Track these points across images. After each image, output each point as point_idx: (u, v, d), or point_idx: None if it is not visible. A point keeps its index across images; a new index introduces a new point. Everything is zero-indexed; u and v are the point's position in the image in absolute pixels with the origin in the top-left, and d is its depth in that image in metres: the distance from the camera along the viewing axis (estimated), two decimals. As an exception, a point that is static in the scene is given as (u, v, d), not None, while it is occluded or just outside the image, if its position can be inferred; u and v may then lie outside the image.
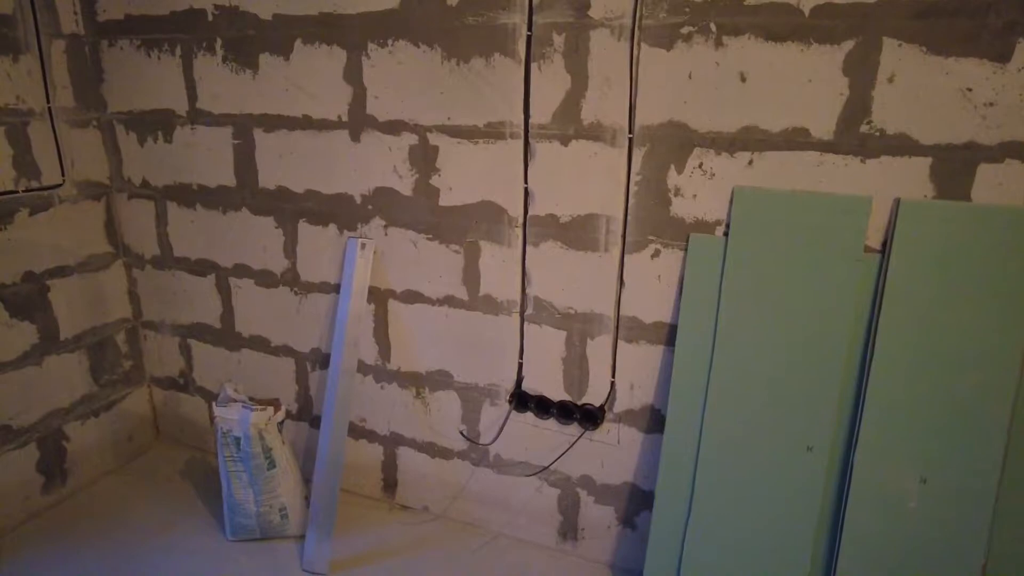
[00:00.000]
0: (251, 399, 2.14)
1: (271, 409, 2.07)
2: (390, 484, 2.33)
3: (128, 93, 2.28)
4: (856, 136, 1.51)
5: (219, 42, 2.07)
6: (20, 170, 2.10)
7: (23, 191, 2.12)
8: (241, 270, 2.31)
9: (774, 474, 1.67)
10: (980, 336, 1.48)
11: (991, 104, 1.40)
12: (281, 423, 2.11)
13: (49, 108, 2.16)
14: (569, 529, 2.10)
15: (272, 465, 2.08)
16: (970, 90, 1.41)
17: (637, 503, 1.98)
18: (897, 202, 1.51)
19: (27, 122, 2.11)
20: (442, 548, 2.15)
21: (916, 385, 1.54)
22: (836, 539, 1.63)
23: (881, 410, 1.57)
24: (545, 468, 2.05)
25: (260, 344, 2.38)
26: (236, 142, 2.17)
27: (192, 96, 2.18)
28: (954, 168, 1.46)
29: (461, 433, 2.13)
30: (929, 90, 1.43)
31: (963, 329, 1.49)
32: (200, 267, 2.39)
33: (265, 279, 2.28)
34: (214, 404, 2.07)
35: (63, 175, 2.23)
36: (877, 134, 1.50)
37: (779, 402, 1.65)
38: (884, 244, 1.55)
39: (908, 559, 1.57)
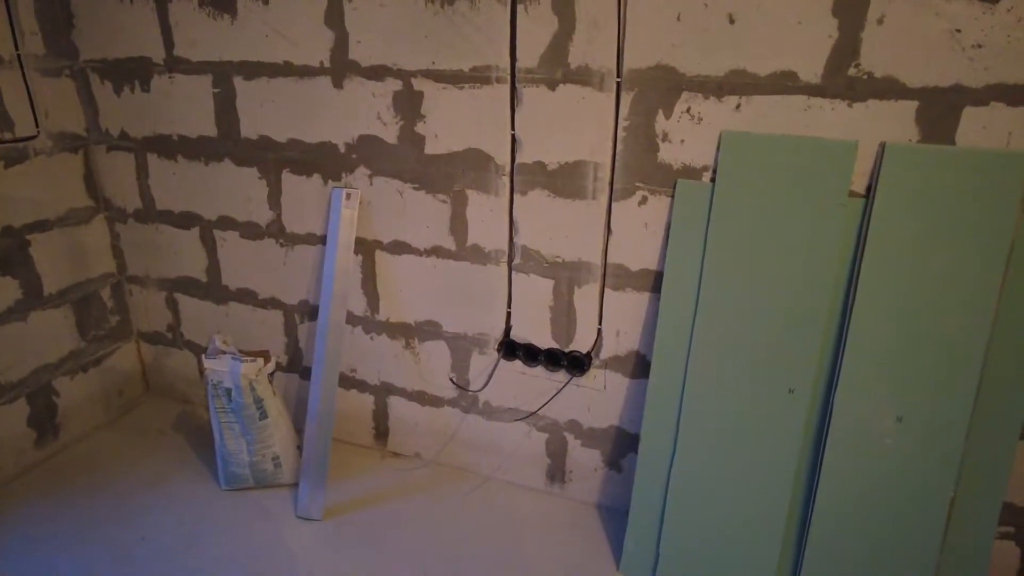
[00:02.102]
0: (240, 351, 2.15)
1: (261, 360, 2.08)
2: (381, 432, 2.37)
3: (101, 40, 2.20)
4: (844, 79, 1.50)
5: (194, -15, 2.00)
6: (-7, 121, 2.05)
7: (-3, 143, 2.07)
8: (225, 222, 2.29)
9: (757, 416, 1.71)
10: (958, 279, 1.51)
11: (979, 46, 1.39)
12: (272, 374, 2.13)
13: (18, 55, 2.09)
14: (557, 472, 2.16)
15: (264, 415, 2.10)
16: (959, 31, 1.40)
17: (623, 446, 2.03)
18: (882, 146, 1.52)
19: (-3, 70, 2.04)
20: (433, 492, 2.20)
21: (896, 327, 1.57)
22: (815, 477, 1.69)
23: (861, 352, 1.60)
24: (533, 413, 2.09)
25: (247, 297, 2.37)
26: (216, 90, 2.11)
27: (168, 43, 2.11)
28: (940, 111, 1.46)
29: (451, 380, 2.16)
30: (918, 32, 1.42)
31: (942, 273, 1.52)
32: (184, 220, 2.36)
33: (250, 231, 2.26)
34: (203, 356, 2.07)
35: (37, 126, 2.17)
36: (865, 77, 1.49)
37: (762, 346, 1.68)
38: (869, 188, 1.56)
39: (883, 494, 1.63)
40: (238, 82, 2.07)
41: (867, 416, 1.62)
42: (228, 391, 2.07)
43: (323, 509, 2.09)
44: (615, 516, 2.08)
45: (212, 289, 2.42)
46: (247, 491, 2.20)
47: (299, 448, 2.22)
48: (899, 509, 1.63)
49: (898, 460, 1.61)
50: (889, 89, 1.48)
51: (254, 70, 2.03)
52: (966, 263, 1.50)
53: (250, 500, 2.17)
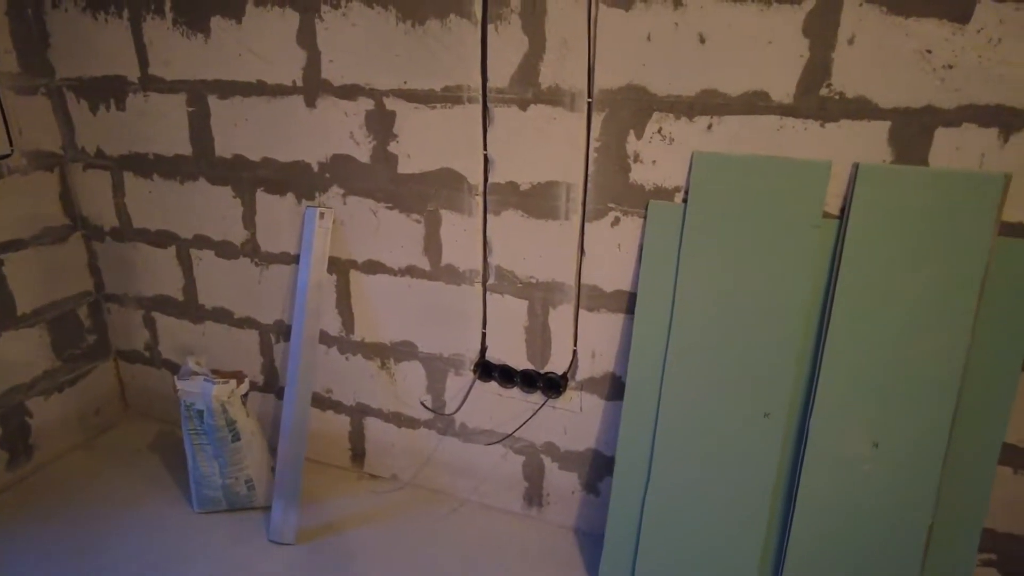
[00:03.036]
0: (215, 372, 2.12)
1: (234, 382, 2.05)
2: (358, 454, 2.34)
3: (77, 58, 2.19)
4: (816, 99, 1.48)
5: (168, 4, 1.99)
6: (-36, 139, 2.03)
7: (-31, 161, 2.05)
8: (201, 241, 2.27)
9: (732, 439, 1.68)
10: (933, 302, 1.48)
11: (950, 66, 1.37)
12: (245, 395, 2.10)
13: (-8, 74, 2.08)
14: (534, 495, 2.12)
15: (236, 438, 2.07)
16: (930, 52, 1.38)
17: (600, 469, 1.99)
18: (856, 167, 1.50)
19: (-31, 89, 2.03)
20: (410, 515, 2.16)
21: (871, 351, 1.54)
22: (791, 504, 1.65)
23: (837, 375, 1.57)
24: (509, 435, 2.06)
25: (223, 316, 2.35)
26: (190, 109, 2.10)
27: (143, 62, 2.10)
28: (912, 132, 1.44)
29: (423, 404, 2.12)
30: (889, 52, 1.40)
31: (917, 295, 1.49)
32: (160, 238, 2.34)
33: (225, 250, 2.24)
34: (176, 378, 2.05)
35: (11, 144, 2.15)
36: (837, 97, 1.47)
37: (737, 368, 1.65)
38: (843, 210, 1.54)
39: (860, 520, 1.60)
40: (212, 101, 2.05)
41: (843, 441, 1.59)
42: (200, 413, 2.04)
43: (296, 532, 2.05)
44: (592, 541, 2.04)
45: (189, 308, 2.40)
46: (220, 514, 2.17)
47: (274, 470, 2.18)
48: (877, 536, 1.60)
49: (875, 486, 1.58)
50: (861, 109, 1.46)
51: (228, 89, 2.02)
52: (941, 285, 1.47)
53: (223, 523, 2.13)
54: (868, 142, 1.48)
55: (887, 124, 1.45)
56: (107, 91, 2.19)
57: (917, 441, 1.54)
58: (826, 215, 1.55)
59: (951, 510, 1.57)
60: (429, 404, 2.13)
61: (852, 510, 1.60)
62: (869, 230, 1.50)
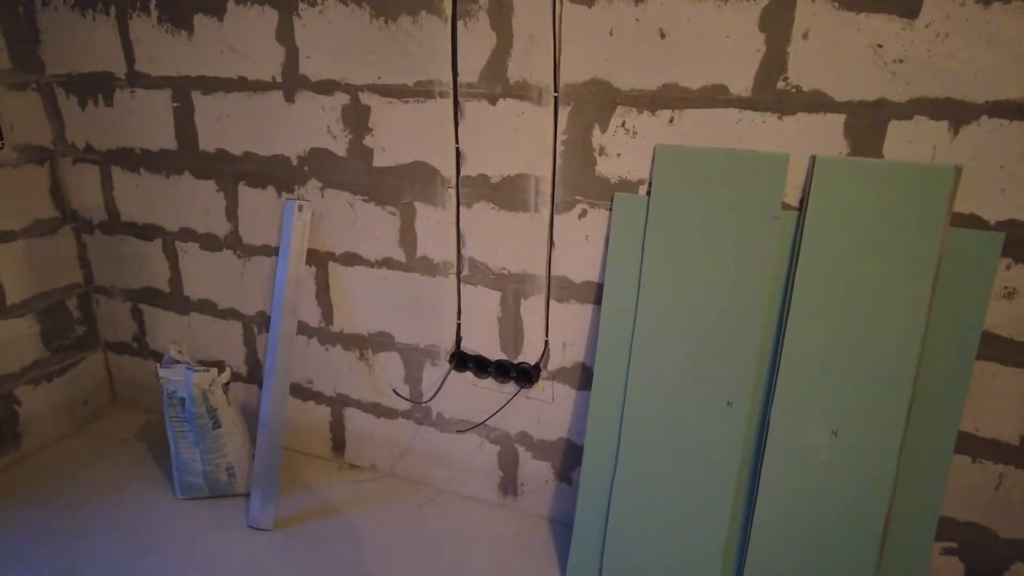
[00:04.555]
0: (199, 362, 2.16)
1: (215, 370, 2.09)
2: (339, 444, 2.38)
3: (66, 55, 2.25)
4: (773, 93, 1.52)
5: (152, 2, 2.04)
6: (-45, 133, 2.09)
7: (-40, 155, 2.11)
8: (186, 234, 2.32)
9: (696, 428, 1.71)
10: (889, 292, 1.51)
11: (901, 60, 1.41)
12: (226, 384, 2.14)
13: (-17, 70, 2.14)
14: (509, 484, 2.15)
15: (217, 425, 2.12)
16: (880, 46, 1.41)
17: (572, 458, 2.03)
18: (813, 159, 1.53)
19: (-40, 84, 2.09)
20: (387, 504, 2.20)
21: (829, 340, 1.57)
22: (754, 492, 1.68)
23: (796, 365, 1.60)
24: (482, 424, 2.09)
25: (208, 307, 2.39)
26: (175, 105, 2.15)
27: (130, 58, 2.16)
28: (867, 125, 1.47)
29: (395, 391, 2.16)
30: (842, 46, 1.44)
31: (873, 285, 1.52)
32: (147, 231, 2.39)
33: (209, 243, 2.29)
34: (159, 366, 2.09)
35: (2, 139, 2.21)
36: (793, 91, 1.50)
37: (701, 358, 1.68)
38: (801, 201, 1.57)
39: (819, 508, 1.62)
40: (196, 97, 2.10)
41: (802, 430, 1.62)
42: (182, 400, 2.09)
43: (274, 519, 2.09)
44: (566, 529, 2.07)
45: (175, 300, 2.45)
46: (201, 500, 2.21)
47: (254, 458, 2.23)
48: (836, 522, 1.62)
49: (833, 474, 1.60)
50: (817, 102, 1.49)
51: (211, 85, 2.07)
52: (896, 276, 1.50)
53: (203, 509, 2.17)
54: (825, 135, 1.51)
55: (842, 117, 1.49)
56: (95, 87, 2.25)
57: (874, 429, 1.56)
58: (785, 207, 1.58)
59: (908, 497, 1.59)
60: (404, 393, 2.17)
61: (812, 497, 1.63)
62: (827, 221, 1.53)
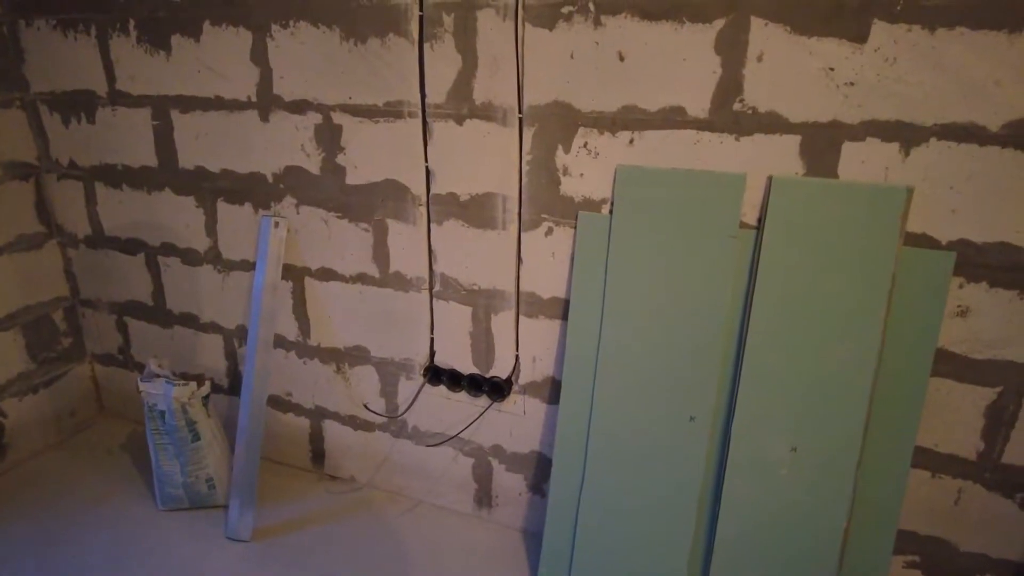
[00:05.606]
0: (180, 375, 2.20)
1: (194, 384, 2.13)
2: (318, 455, 2.41)
3: (49, 73, 2.29)
4: (730, 114, 1.54)
5: (132, 23, 2.08)
6: (-60, 152, 2.14)
7: (-56, 173, 2.15)
8: (168, 248, 2.36)
9: (660, 442, 1.74)
10: (844, 310, 1.53)
11: (852, 83, 1.43)
12: (206, 397, 2.18)
13: (-32, 89, 2.18)
14: (484, 496, 2.18)
15: (196, 438, 2.15)
16: (832, 69, 1.44)
17: (544, 471, 2.05)
18: (770, 179, 1.55)
19: (-55, 104, 2.13)
20: (364, 515, 2.23)
21: (787, 358, 1.59)
22: (717, 503, 1.71)
23: (756, 382, 1.63)
24: (456, 436, 2.12)
25: (190, 321, 2.43)
26: (155, 123, 2.19)
27: (111, 77, 2.20)
28: (821, 146, 1.50)
29: (366, 406, 2.20)
30: (795, 69, 1.46)
31: (829, 304, 1.54)
32: (130, 246, 2.43)
33: (190, 257, 2.32)
34: (139, 379, 2.13)
35: (-13, 156, 2.26)
36: (750, 112, 1.53)
37: (663, 374, 1.71)
38: (759, 220, 1.59)
39: (780, 522, 1.64)
40: (175, 115, 2.14)
41: (763, 446, 1.64)
42: (162, 413, 2.13)
43: (251, 529, 2.12)
44: (538, 541, 2.09)
45: (158, 313, 2.49)
46: (183, 511, 2.25)
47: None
48: (796, 537, 1.64)
49: (793, 490, 1.63)
50: (773, 124, 1.52)
51: (189, 104, 2.10)
52: (851, 294, 1.53)
53: (183, 520, 2.21)
54: (781, 155, 1.53)
55: (797, 138, 1.51)
56: (78, 105, 2.29)
57: (832, 445, 1.59)
58: (743, 225, 1.60)
59: (867, 512, 1.61)
60: (379, 408, 2.20)
61: (773, 512, 1.65)
62: (783, 240, 1.56)
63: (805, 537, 1.63)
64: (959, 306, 1.50)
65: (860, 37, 1.40)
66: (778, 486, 1.64)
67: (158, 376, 2.16)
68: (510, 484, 2.12)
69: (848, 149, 1.48)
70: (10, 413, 2.44)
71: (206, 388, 2.18)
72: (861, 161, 1.48)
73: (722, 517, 1.69)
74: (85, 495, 2.32)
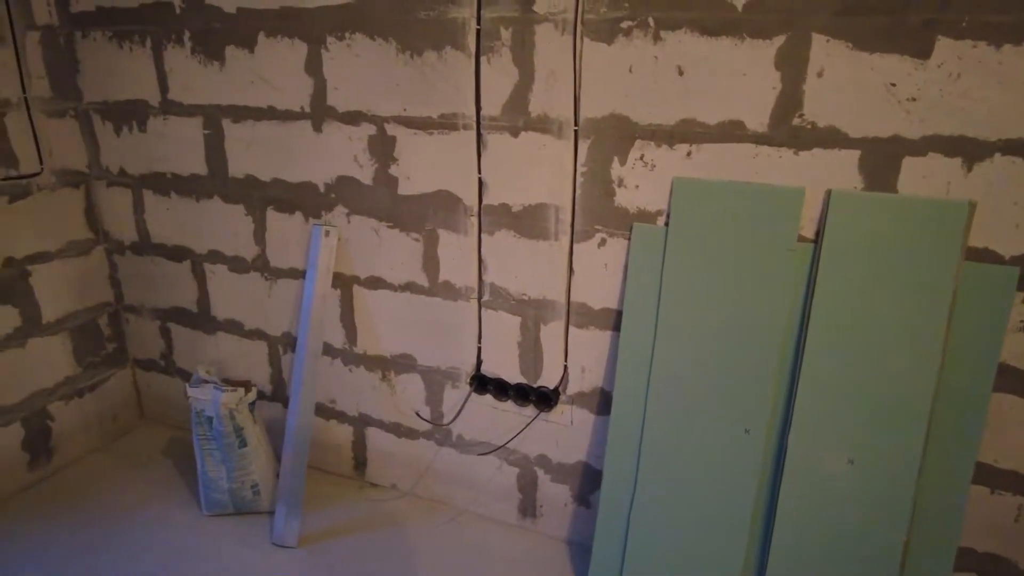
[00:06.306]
0: (225, 381, 2.22)
1: (242, 390, 2.15)
2: (360, 463, 2.42)
3: (103, 83, 2.34)
4: (789, 129, 1.56)
5: (187, 34, 2.13)
6: (-2, 159, 2.18)
7: (1, 179, 2.19)
8: (215, 256, 2.39)
9: (714, 454, 1.74)
10: (904, 323, 1.53)
11: (914, 99, 1.44)
12: (252, 404, 2.20)
13: (25, 98, 2.23)
14: (528, 506, 2.19)
15: (243, 444, 2.17)
16: (894, 85, 1.45)
17: (590, 482, 2.06)
18: (828, 193, 1.56)
19: (4, 112, 2.18)
20: (408, 524, 2.24)
21: (845, 370, 1.59)
22: (771, 518, 1.70)
23: (813, 394, 1.63)
24: (503, 447, 2.13)
25: (235, 327, 2.46)
26: (206, 132, 2.23)
27: (164, 87, 2.24)
28: (881, 161, 1.50)
29: (417, 414, 2.21)
30: (856, 85, 1.47)
31: (889, 317, 1.54)
32: (176, 253, 2.46)
33: (237, 265, 2.35)
34: (187, 385, 2.16)
35: (41, 164, 2.30)
36: (809, 127, 1.54)
37: (718, 385, 1.72)
38: (817, 234, 1.60)
39: (836, 536, 1.64)
40: (226, 124, 2.18)
41: (819, 458, 1.64)
42: (210, 419, 2.15)
43: (298, 536, 2.14)
44: (584, 552, 2.10)
45: (202, 319, 2.52)
46: (227, 517, 2.26)
47: (279, 476, 2.28)
48: (854, 551, 1.64)
49: (849, 503, 1.62)
50: (832, 139, 1.53)
51: (241, 113, 2.14)
52: (912, 308, 1.53)
53: (229, 526, 2.22)
54: (840, 169, 1.54)
55: (857, 153, 1.52)
56: (130, 114, 2.33)
57: (891, 459, 1.58)
58: (801, 239, 1.61)
59: (926, 528, 1.60)
60: (426, 415, 2.22)
61: (829, 525, 1.65)
62: (842, 254, 1.57)
63: (862, 552, 1.63)
64: (1023, 321, 1.50)
65: (923, 53, 1.41)
66: (835, 499, 1.63)
67: (206, 382, 2.18)
68: (556, 494, 2.13)
69: (909, 164, 1.49)
70: (57, 416, 2.47)
71: (253, 394, 2.20)
72: (922, 176, 1.48)
73: (777, 530, 1.69)
74: (130, 499, 2.35)
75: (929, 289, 1.51)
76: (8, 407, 2.31)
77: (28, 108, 2.24)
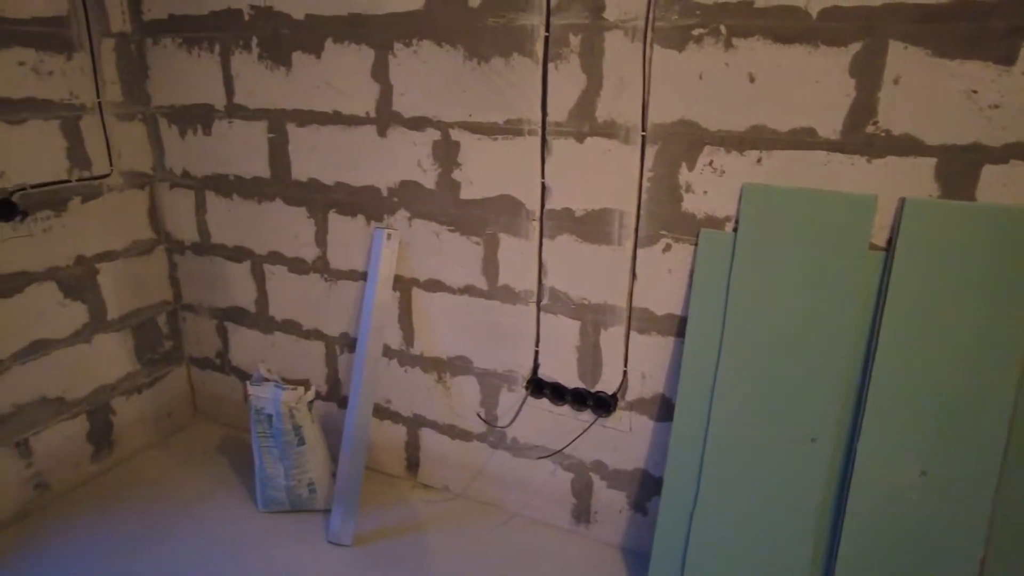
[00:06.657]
0: (283, 380, 2.27)
1: (301, 389, 2.19)
2: (413, 463, 2.45)
3: (171, 88, 2.41)
4: (862, 136, 1.55)
5: (255, 40, 2.18)
6: (73, 161, 2.26)
7: (76, 180, 2.27)
8: (275, 257, 2.44)
9: (779, 463, 1.73)
10: (981, 334, 1.51)
11: (996, 106, 1.42)
12: (311, 403, 2.24)
13: (99, 103, 2.30)
14: (582, 512, 2.19)
15: (301, 442, 2.21)
16: (975, 92, 1.43)
17: (648, 489, 2.05)
18: (902, 201, 1.55)
19: (79, 116, 2.25)
20: (460, 526, 2.25)
21: (918, 380, 1.57)
22: (837, 529, 1.69)
23: (883, 404, 1.61)
24: (559, 452, 2.14)
25: (292, 328, 2.50)
26: (270, 136, 2.28)
27: (229, 91, 2.30)
28: (959, 168, 1.49)
29: (479, 416, 2.22)
30: (934, 92, 1.46)
31: (965, 327, 1.52)
32: (236, 254, 2.52)
33: (297, 266, 2.40)
34: (248, 383, 2.20)
35: (111, 165, 2.37)
36: (883, 134, 1.53)
37: (785, 394, 1.70)
38: (889, 242, 1.59)
39: (907, 550, 1.61)
40: (291, 128, 2.23)
41: (890, 468, 1.62)
42: (269, 417, 2.19)
43: (353, 535, 2.16)
44: (639, 559, 2.10)
45: (260, 319, 2.57)
46: (283, 514, 2.30)
47: (334, 475, 2.31)
48: (926, 565, 1.61)
49: (922, 516, 1.60)
50: (907, 146, 1.52)
51: (306, 118, 2.19)
52: (990, 318, 1.51)
53: (284, 523, 2.26)
54: (914, 177, 1.53)
55: (933, 160, 1.51)
56: (196, 118, 2.40)
57: (968, 472, 1.56)
58: (873, 247, 1.60)
59: (1006, 543, 1.57)
60: (482, 417, 2.23)
61: (900, 538, 1.63)
62: (916, 263, 1.55)
63: (936, 567, 1.60)
64: (1105, 333, 1.47)
65: (1007, 59, 1.39)
66: (906, 511, 1.61)
67: (267, 380, 2.23)
68: (611, 500, 2.12)
69: (989, 172, 1.47)
70: (118, 411, 2.54)
71: (311, 393, 2.23)
72: (1003, 184, 1.46)
73: (843, 541, 1.67)
74: (187, 494, 2.40)
75: (1008, 298, 1.48)
76: (76, 400, 2.38)
77: (101, 112, 2.32)
